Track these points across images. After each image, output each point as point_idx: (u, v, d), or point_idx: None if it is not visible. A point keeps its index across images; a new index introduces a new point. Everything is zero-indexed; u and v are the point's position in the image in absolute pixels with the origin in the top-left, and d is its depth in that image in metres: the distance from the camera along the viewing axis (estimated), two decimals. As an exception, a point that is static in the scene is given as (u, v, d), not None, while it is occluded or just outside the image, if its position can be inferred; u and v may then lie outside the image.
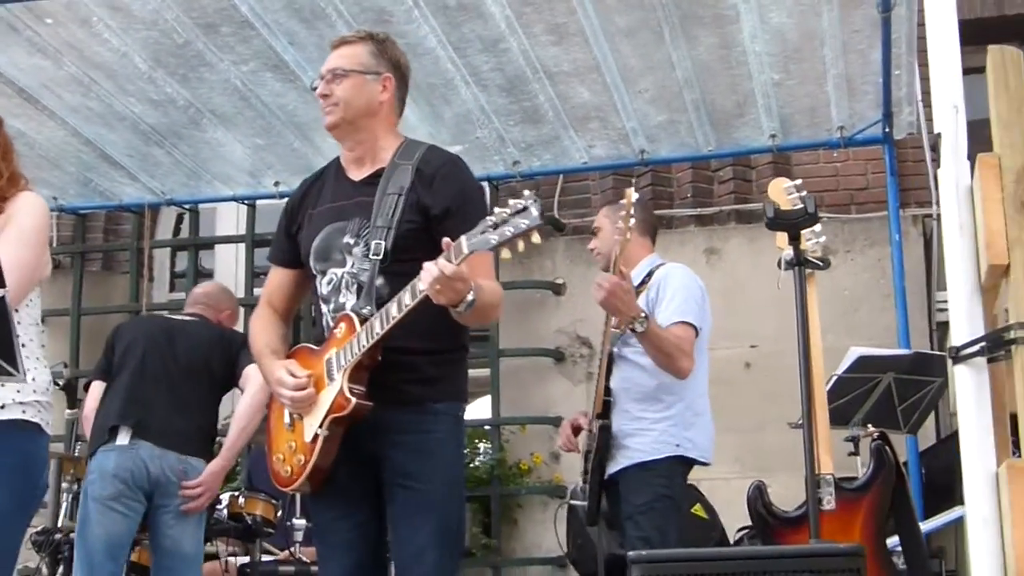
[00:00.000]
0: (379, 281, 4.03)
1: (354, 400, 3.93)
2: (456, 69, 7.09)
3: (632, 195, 5.40)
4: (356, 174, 4.30)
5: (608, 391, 5.59)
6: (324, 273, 4.22)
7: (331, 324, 4.12)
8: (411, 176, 4.14)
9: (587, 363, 8.87)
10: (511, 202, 3.65)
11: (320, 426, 4.00)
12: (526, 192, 3.70)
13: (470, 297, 3.76)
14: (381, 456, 4.04)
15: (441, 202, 4.06)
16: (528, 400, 9.11)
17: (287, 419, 4.17)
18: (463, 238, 3.69)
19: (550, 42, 6.86)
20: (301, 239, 4.33)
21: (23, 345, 4.12)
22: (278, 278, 4.46)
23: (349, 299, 4.11)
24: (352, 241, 4.15)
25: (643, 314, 5.32)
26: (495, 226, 3.64)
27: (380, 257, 4.03)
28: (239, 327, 6.76)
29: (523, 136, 7.90)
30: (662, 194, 9.35)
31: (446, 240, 3.73)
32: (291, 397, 4.07)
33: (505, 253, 3.67)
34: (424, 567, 3.99)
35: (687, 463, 5.52)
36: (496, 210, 3.67)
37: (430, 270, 3.71)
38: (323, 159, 8.12)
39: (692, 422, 5.51)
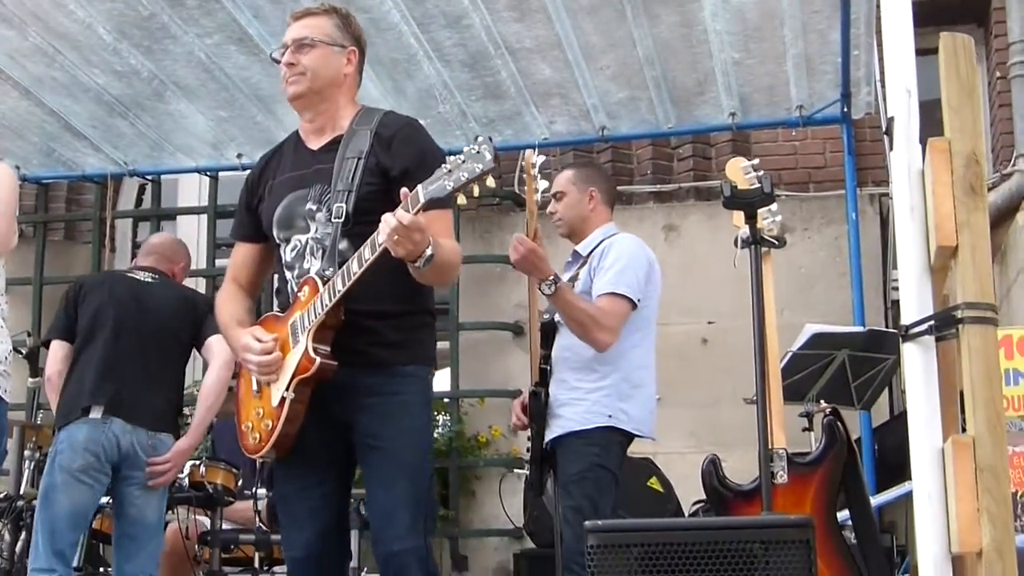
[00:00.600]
0: (342, 244, 4.06)
1: (318, 359, 3.97)
2: (419, 44, 7.12)
3: (532, 156, 5.43)
4: (315, 143, 4.33)
5: (548, 359, 5.60)
6: (288, 241, 4.25)
7: (295, 289, 4.16)
8: (370, 140, 4.17)
9: (546, 338, 8.93)
10: (465, 149, 3.69)
11: (287, 389, 4.03)
12: (479, 137, 3.74)
13: (428, 251, 3.79)
14: (350, 421, 4.10)
15: (400, 163, 4.09)
16: (487, 373, 9.17)
17: (255, 386, 4.21)
18: (419, 187, 3.73)
19: (512, 18, 6.91)
20: (262, 211, 4.36)
21: (-14, 314, 4.16)
22: (242, 253, 4.49)
23: (314, 264, 4.14)
24: (314, 207, 4.18)
25: (551, 277, 5.35)
26: (450, 172, 3.68)
27: (342, 220, 4.06)
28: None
29: (485, 111, 7.93)
30: (622, 170, 9.42)
31: (404, 190, 3.77)
32: (257, 362, 4.11)
33: (460, 198, 3.72)
34: (395, 529, 4.04)
35: (624, 434, 5.42)
36: (450, 158, 3.70)
37: (388, 221, 3.74)
38: (285, 132, 8.07)
39: (629, 394, 5.43)
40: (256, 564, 6.61)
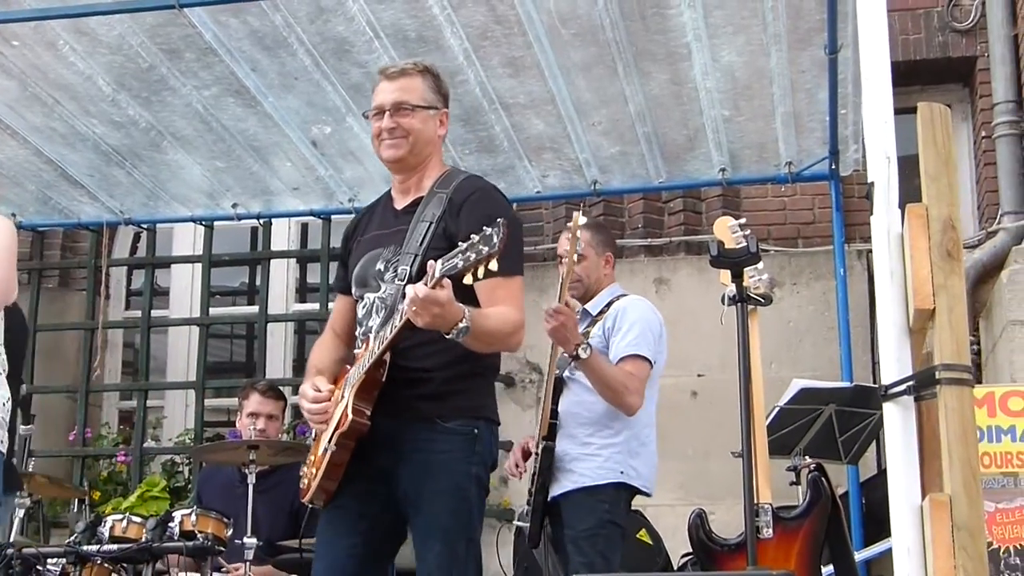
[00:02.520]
0: (402, 305, 4.05)
1: (351, 417, 4.07)
2: (414, 99, 7.17)
3: (580, 218, 5.50)
4: (400, 203, 4.45)
5: (555, 414, 5.69)
6: (361, 298, 4.38)
7: (360, 346, 4.29)
8: (443, 204, 4.25)
9: (536, 388, 8.94)
10: (484, 229, 3.72)
11: (329, 441, 4.15)
12: (499, 219, 3.78)
13: (462, 324, 3.85)
14: (392, 471, 4.18)
15: (465, 229, 4.08)
16: (478, 424, 9.15)
17: (313, 434, 4.38)
18: (439, 262, 3.79)
19: (506, 75, 6.98)
20: (350, 266, 4.50)
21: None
22: (339, 304, 4.65)
23: (376, 322, 4.23)
24: (383, 267, 4.30)
25: (585, 342, 5.46)
26: (464, 251, 3.72)
27: (404, 282, 4.12)
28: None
29: (478, 165, 7.95)
30: (613, 224, 9.45)
31: (429, 263, 3.84)
32: (307, 409, 4.27)
33: (467, 279, 3.74)
34: None
35: (631, 490, 5.61)
36: (472, 236, 3.74)
37: (407, 292, 3.83)
38: (280, 182, 8.27)
39: (638, 451, 5.61)
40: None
